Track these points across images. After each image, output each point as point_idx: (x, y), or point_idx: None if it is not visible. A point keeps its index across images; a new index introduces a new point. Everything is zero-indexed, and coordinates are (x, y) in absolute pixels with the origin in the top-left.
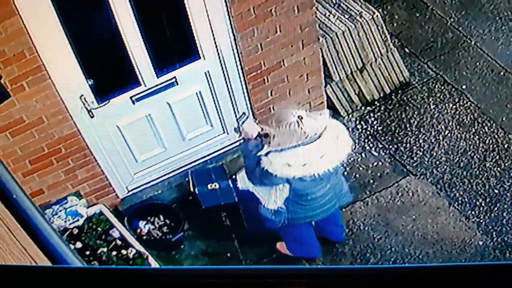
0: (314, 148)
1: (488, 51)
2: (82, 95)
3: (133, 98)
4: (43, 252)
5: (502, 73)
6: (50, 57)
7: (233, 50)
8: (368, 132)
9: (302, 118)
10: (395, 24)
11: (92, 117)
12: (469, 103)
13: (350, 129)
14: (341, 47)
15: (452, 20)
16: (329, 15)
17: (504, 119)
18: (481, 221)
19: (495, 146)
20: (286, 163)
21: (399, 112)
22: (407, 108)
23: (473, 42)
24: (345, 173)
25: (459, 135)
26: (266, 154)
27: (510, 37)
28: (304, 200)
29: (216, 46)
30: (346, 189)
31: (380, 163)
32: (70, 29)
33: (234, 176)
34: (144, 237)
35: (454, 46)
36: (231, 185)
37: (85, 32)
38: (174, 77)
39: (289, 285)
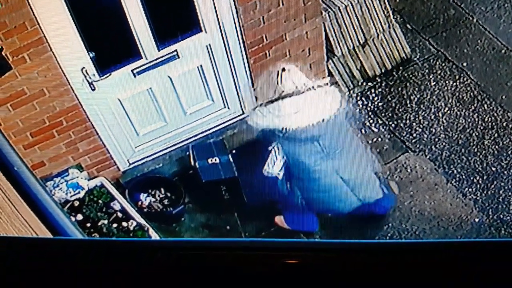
0: (295, 103)
1: (490, 28)
2: (84, 68)
3: (134, 71)
4: (44, 224)
5: (503, 51)
6: (51, 29)
7: (235, 23)
8: (368, 108)
9: (284, 70)
10: (397, 0)
11: (93, 89)
12: (469, 80)
13: (351, 105)
14: (344, 21)
15: None
16: None
17: (504, 97)
18: (478, 198)
19: (494, 124)
20: (269, 114)
21: (399, 89)
22: (408, 84)
23: (475, 20)
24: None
25: (458, 113)
26: (254, 109)
27: None
28: (302, 173)
29: (218, 19)
30: (373, 188)
31: (379, 139)
32: (71, 0)
33: (234, 151)
34: (145, 210)
35: (456, 23)
36: (231, 159)
37: (87, 4)
38: (175, 50)
39: (287, 258)
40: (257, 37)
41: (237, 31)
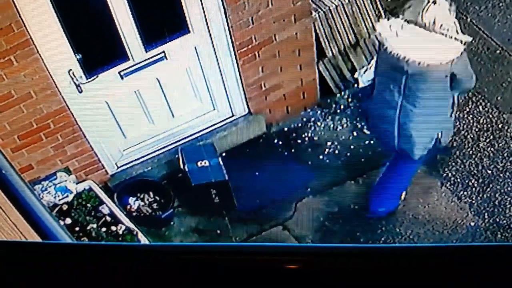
0: (419, 34)
1: (484, 28)
2: (71, 70)
3: (122, 73)
4: (33, 227)
5: (498, 52)
6: (38, 31)
7: (223, 24)
8: (360, 110)
9: (435, 2)
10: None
11: (80, 92)
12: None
13: (342, 107)
14: (334, 22)
15: None
16: None
17: (499, 98)
18: (473, 201)
19: (489, 125)
20: (395, 27)
21: None
22: None
23: (469, 19)
24: (336, 151)
25: (453, 114)
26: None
27: (508, 14)
28: (377, 94)
29: (206, 20)
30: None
31: (371, 141)
32: (58, 2)
33: (224, 154)
34: (134, 214)
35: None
36: (221, 162)
37: (74, 6)
38: (163, 52)
39: (279, 263)
40: (246, 38)
41: (225, 32)
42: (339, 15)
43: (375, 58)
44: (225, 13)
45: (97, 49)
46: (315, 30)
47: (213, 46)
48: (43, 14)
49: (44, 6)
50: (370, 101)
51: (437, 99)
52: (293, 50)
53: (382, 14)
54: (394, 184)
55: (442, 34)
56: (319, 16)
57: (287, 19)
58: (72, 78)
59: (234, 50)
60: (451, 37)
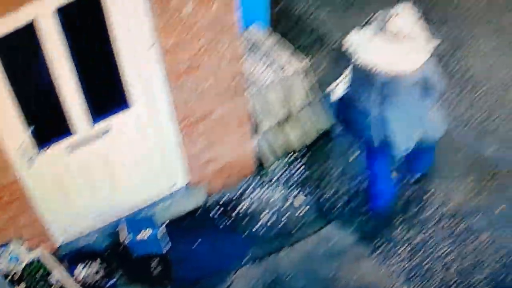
0: (389, 43)
1: None
2: (22, 143)
3: (70, 146)
4: None
5: None
6: None
7: (166, 99)
8: (293, 180)
9: (398, 14)
10: (321, 75)
11: (31, 164)
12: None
13: (276, 177)
14: (269, 97)
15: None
16: (257, 65)
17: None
18: (403, 268)
19: (415, 195)
20: (366, 38)
21: (322, 161)
22: (330, 156)
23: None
24: (271, 220)
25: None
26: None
27: None
28: (352, 101)
29: (149, 95)
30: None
31: (303, 210)
32: (9, 76)
33: (165, 225)
34: (81, 282)
35: None
36: (159, 235)
37: (25, 80)
38: (108, 125)
39: None
40: (187, 112)
41: (167, 107)
42: (274, 91)
43: (346, 71)
44: (167, 89)
45: (47, 123)
46: (251, 105)
47: (155, 120)
48: None
49: None
50: (346, 109)
51: (409, 105)
52: (231, 123)
53: (314, 88)
54: (381, 180)
55: (410, 42)
56: (254, 91)
57: (225, 95)
58: (23, 151)
59: (175, 123)
60: (419, 44)
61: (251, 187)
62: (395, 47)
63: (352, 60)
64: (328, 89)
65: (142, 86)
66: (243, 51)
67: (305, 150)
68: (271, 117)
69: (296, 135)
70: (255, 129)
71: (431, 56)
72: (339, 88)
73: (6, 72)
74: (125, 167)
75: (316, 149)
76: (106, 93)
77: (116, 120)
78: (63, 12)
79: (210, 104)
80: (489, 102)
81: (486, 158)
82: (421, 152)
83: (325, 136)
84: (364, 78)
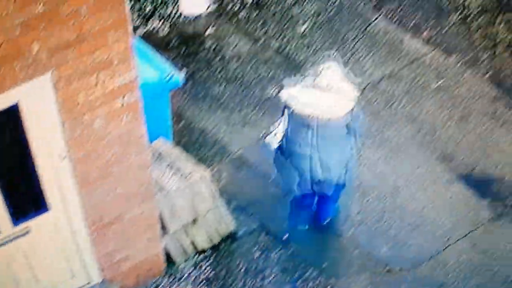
0: (318, 94)
1: None
2: None
3: None
4: None
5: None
6: None
7: (78, 203)
8: (201, 278)
9: (327, 68)
10: (222, 182)
11: None
12: (291, 249)
13: (185, 275)
14: (175, 202)
15: (274, 177)
16: (163, 174)
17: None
18: None
19: None
20: (296, 92)
21: (228, 260)
22: (235, 255)
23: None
24: None
25: (283, 279)
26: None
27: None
28: (288, 147)
29: (64, 201)
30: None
31: None
32: None
33: None
34: None
35: (277, 200)
36: None
37: None
38: (28, 227)
39: None
40: (98, 215)
41: (80, 210)
42: (179, 196)
43: (282, 122)
44: (80, 194)
45: None
46: (159, 208)
47: (70, 222)
48: None
49: None
50: (283, 156)
51: (340, 146)
52: (140, 226)
53: (216, 194)
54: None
55: (337, 92)
56: (162, 197)
57: (135, 200)
58: None
59: (88, 226)
60: (344, 94)
61: (161, 285)
62: (325, 97)
63: (289, 109)
64: (267, 139)
65: (58, 191)
66: (150, 161)
67: (211, 250)
68: (179, 220)
69: (203, 237)
70: (164, 231)
71: (355, 104)
72: (276, 137)
73: None
74: (45, 265)
75: (222, 249)
76: (26, 198)
77: (35, 222)
78: None
79: (121, 208)
80: (380, 206)
81: (378, 258)
82: (331, 198)
83: (229, 238)
84: (300, 125)
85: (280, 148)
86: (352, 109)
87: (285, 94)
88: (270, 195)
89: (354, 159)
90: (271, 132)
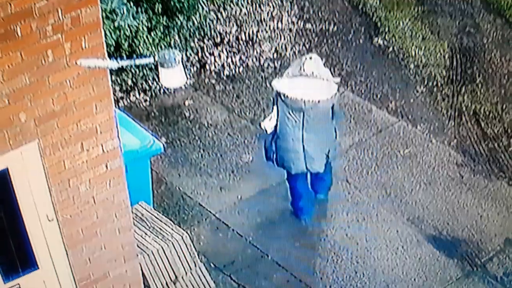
0: (304, 82)
1: (284, 265)
2: None
3: None
4: None
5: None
6: None
7: (66, 262)
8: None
9: (311, 58)
10: (201, 243)
11: None
12: None
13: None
14: (157, 262)
15: (250, 238)
16: (145, 236)
17: None
18: None
19: None
20: (285, 83)
21: None
22: None
23: (270, 257)
24: None
25: None
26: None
27: (302, 253)
28: (281, 132)
29: (52, 259)
30: (320, 165)
31: None
32: None
33: None
34: None
35: (254, 261)
36: None
37: None
38: (18, 284)
39: None
40: (85, 274)
41: (68, 269)
42: (160, 257)
43: (274, 110)
44: (67, 254)
45: None
46: (141, 268)
47: (58, 280)
48: None
49: None
50: (276, 139)
51: (325, 126)
52: (124, 284)
53: (196, 255)
54: (308, 191)
55: (322, 79)
56: (144, 257)
57: (118, 260)
58: None
59: (75, 283)
60: (327, 80)
61: None
62: (312, 83)
63: (280, 97)
64: (262, 124)
65: (46, 250)
66: (131, 223)
67: None
68: (160, 279)
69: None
70: None
71: (336, 90)
72: (271, 122)
73: None
74: None
75: None
76: (16, 256)
77: (25, 279)
78: None
79: (105, 267)
80: (352, 267)
81: None
82: (323, 174)
83: None
84: (290, 110)
85: (275, 131)
86: (335, 94)
87: (276, 83)
88: (247, 255)
89: (337, 139)
90: (267, 118)
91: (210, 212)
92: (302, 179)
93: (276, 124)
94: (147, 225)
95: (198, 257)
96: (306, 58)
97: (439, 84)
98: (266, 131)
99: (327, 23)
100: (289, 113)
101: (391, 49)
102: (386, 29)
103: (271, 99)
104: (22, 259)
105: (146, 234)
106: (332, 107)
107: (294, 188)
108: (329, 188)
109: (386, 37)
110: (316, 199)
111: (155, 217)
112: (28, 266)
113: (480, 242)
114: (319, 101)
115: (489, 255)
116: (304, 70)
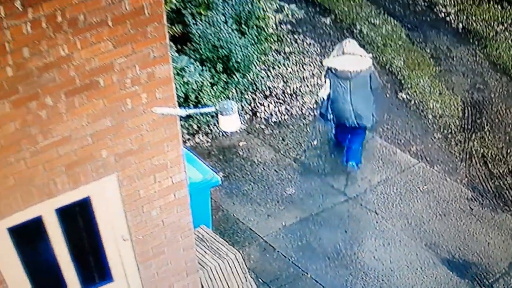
0: (348, 58)
1: (321, 282)
2: None
3: None
4: None
5: None
6: None
7: (137, 276)
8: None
9: (349, 41)
10: (251, 262)
11: None
12: None
13: (371, 73)
14: (214, 277)
15: (293, 258)
16: (205, 254)
17: None
18: None
19: None
20: (334, 60)
21: None
22: None
23: (309, 275)
24: None
25: None
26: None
27: (336, 271)
28: (335, 97)
29: (125, 273)
30: (366, 119)
31: None
32: (23, 258)
33: None
34: None
35: (295, 278)
36: None
37: (35, 260)
38: None
39: None
40: (153, 286)
41: (139, 281)
42: (217, 272)
43: (327, 82)
44: (138, 268)
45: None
46: (201, 282)
47: None
48: None
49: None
50: (331, 104)
51: (367, 92)
52: None
53: (247, 271)
54: (356, 145)
55: (360, 55)
56: (203, 272)
57: (181, 274)
58: None
59: None
60: (364, 56)
61: None
62: (354, 58)
63: (331, 71)
64: (319, 93)
65: (120, 266)
66: (194, 243)
67: None
68: None
69: None
70: None
71: (371, 63)
72: (325, 91)
73: (21, 254)
74: None
75: None
76: (94, 270)
77: None
78: (61, 211)
79: (170, 280)
80: (378, 284)
81: None
82: (359, 138)
83: None
84: (340, 79)
85: (328, 98)
86: (371, 66)
87: (326, 61)
88: (290, 273)
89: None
90: (322, 89)
91: (259, 235)
92: (347, 136)
93: (329, 93)
94: (207, 245)
95: (249, 273)
96: (346, 42)
97: (453, 132)
98: (322, 98)
99: None
100: (339, 82)
101: (413, 102)
102: (409, 85)
103: (323, 74)
104: (99, 273)
105: (205, 252)
106: (370, 76)
107: (343, 141)
108: (360, 160)
109: (409, 92)
110: (348, 165)
111: (213, 238)
112: (104, 278)
113: (488, 265)
114: (360, 71)
115: (496, 276)
116: (346, 49)
